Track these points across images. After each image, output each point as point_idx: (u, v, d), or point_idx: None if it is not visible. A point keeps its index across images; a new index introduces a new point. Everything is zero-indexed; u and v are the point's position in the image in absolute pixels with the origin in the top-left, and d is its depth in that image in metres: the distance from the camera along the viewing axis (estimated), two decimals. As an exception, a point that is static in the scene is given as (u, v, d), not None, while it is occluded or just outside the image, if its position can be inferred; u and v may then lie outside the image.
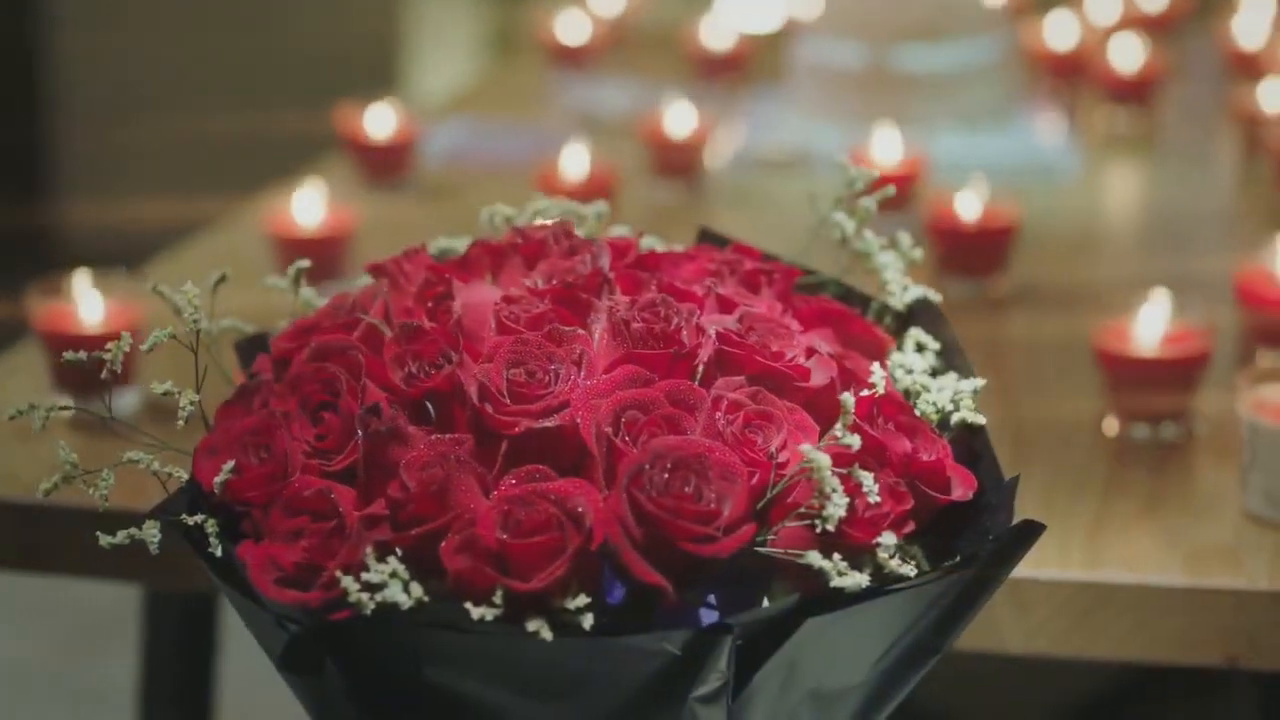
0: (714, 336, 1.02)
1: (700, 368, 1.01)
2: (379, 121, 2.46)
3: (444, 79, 4.46)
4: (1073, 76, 2.93)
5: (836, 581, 0.93)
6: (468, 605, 0.91)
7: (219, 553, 0.99)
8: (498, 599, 0.91)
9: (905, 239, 1.20)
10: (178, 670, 1.92)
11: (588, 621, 0.91)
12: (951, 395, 1.08)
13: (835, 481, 0.94)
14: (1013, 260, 2.04)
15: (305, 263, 1.15)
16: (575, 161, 2.24)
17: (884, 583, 0.95)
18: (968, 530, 1.02)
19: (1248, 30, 3.05)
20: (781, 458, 0.97)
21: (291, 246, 1.98)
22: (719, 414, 0.98)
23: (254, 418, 1.03)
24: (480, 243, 1.13)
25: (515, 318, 1.03)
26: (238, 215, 2.33)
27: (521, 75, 3.25)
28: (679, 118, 2.44)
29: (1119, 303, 1.69)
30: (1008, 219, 2.02)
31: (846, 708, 1.00)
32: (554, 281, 1.07)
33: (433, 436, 0.98)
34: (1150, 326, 1.63)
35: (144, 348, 1.03)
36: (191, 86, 4.33)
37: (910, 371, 1.11)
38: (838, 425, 0.97)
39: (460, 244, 1.19)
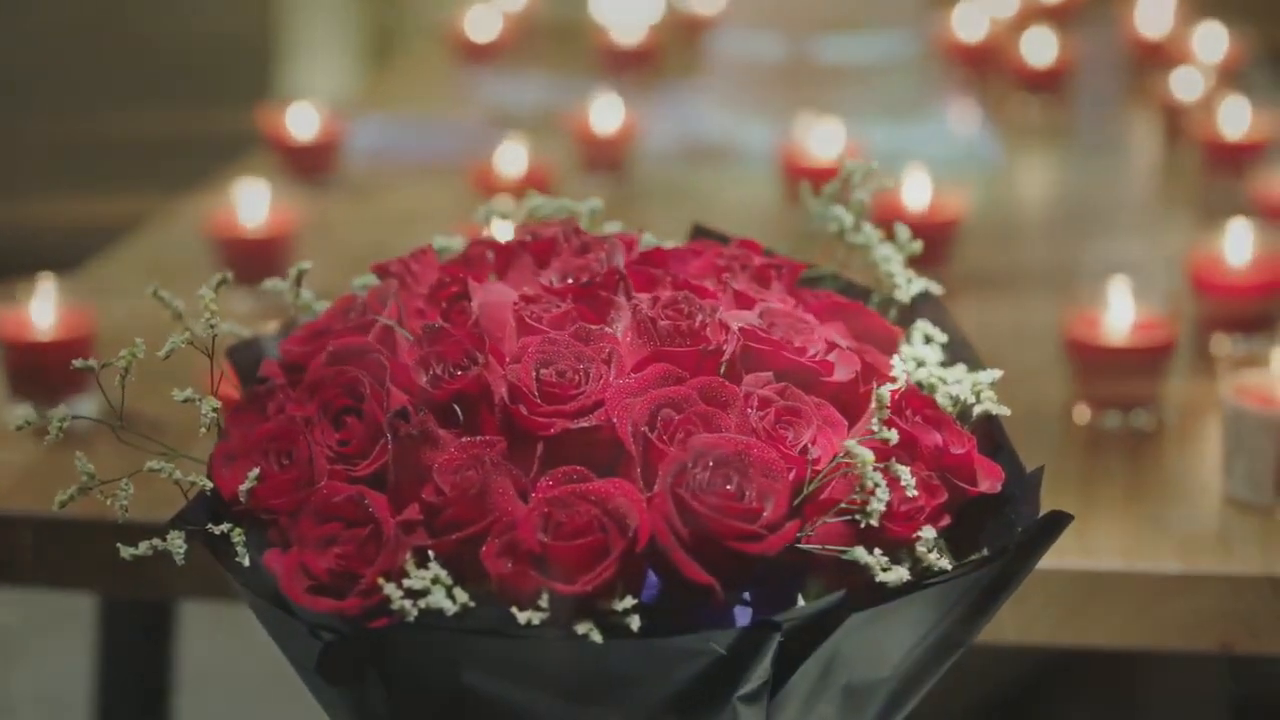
0: (738, 333, 1.01)
1: (724, 365, 1.00)
2: (302, 120, 2.43)
3: (324, 78, 4.42)
4: (983, 67, 2.95)
5: (881, 576, 0.93)
6: (513, 609, 0.89)
7: (246, 562, 0.97)
8: (543, 602, 0.89)
9: (903, 231, 1.19)
10: (135, 679, 1.89)
11: (635, 623, 0.90)
12: (971, 386, 1.08)
13: (878, 476, 0.94)
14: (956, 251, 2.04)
15: (307, 264, 1.13)
16: (512, 158, 2.22)
17: (921, 577, 0.95)
18: (991, 522, 1.01)
19: (1150, 19, 3.08)
20: (813, 453, 0.97)
21: (234, 247, 1.95)
22: (751, 410, 0.97)
23: (272, 423, 1.00)
24: (481, 241, 1.11)
25: (537, 317, 1.01)
26: (166, 217, 2.29)
27: (426, 72, 3.22)
28: (604, 113, 2.43)
29: (1074, 291, 1.70)
30: (954, 209, 2.02)
31: (875, 703, 0.99)
32: (570, 280, 1.06)
33: (463, 439, 0.96)
34: (1120, 315, 1.64)
35: (161, 354, 1.01)
36: (66, 87, 4.25)
37: (922, 364, 1.11)
38: (873, 419, 0.97)
39: (456, 242, 1.17)
